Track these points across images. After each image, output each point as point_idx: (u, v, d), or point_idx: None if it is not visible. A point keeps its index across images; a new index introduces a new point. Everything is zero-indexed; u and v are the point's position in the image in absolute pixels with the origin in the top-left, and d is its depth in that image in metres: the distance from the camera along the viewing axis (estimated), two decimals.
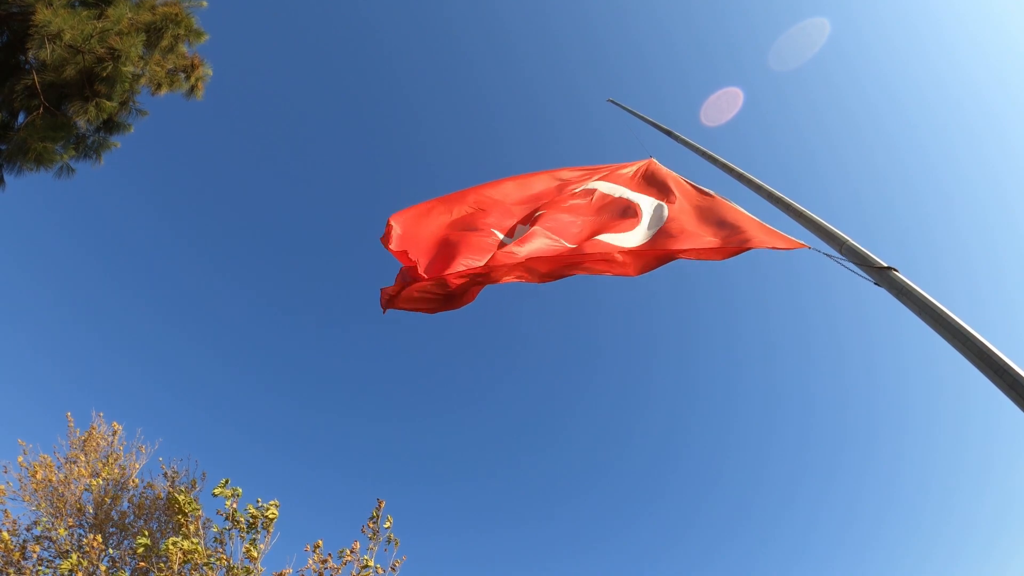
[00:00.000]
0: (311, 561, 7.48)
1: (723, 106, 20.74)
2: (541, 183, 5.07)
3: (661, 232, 4.10)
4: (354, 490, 23.73)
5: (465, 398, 29.78)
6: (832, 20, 26.12)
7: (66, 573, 7.16)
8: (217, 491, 7.29)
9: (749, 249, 3.50)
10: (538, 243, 4.11)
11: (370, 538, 7.79)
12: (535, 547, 24.61)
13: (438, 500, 25.34)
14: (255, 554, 7.27)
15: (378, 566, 7.64)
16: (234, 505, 7.37)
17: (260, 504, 7.62)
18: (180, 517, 7.23)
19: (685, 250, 3.71)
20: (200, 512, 7.65)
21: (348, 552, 7.60)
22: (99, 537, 8.13)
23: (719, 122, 19.88)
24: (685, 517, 26.81)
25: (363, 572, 7.53)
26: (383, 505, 7.96)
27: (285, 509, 7.77)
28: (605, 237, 4.20)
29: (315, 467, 25.24)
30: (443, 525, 24.34)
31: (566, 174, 5.20)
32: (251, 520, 7.39)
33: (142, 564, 7.23)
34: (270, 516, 7.52)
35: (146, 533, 7.59)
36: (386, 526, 7.88)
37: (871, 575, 24.37)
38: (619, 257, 3.99)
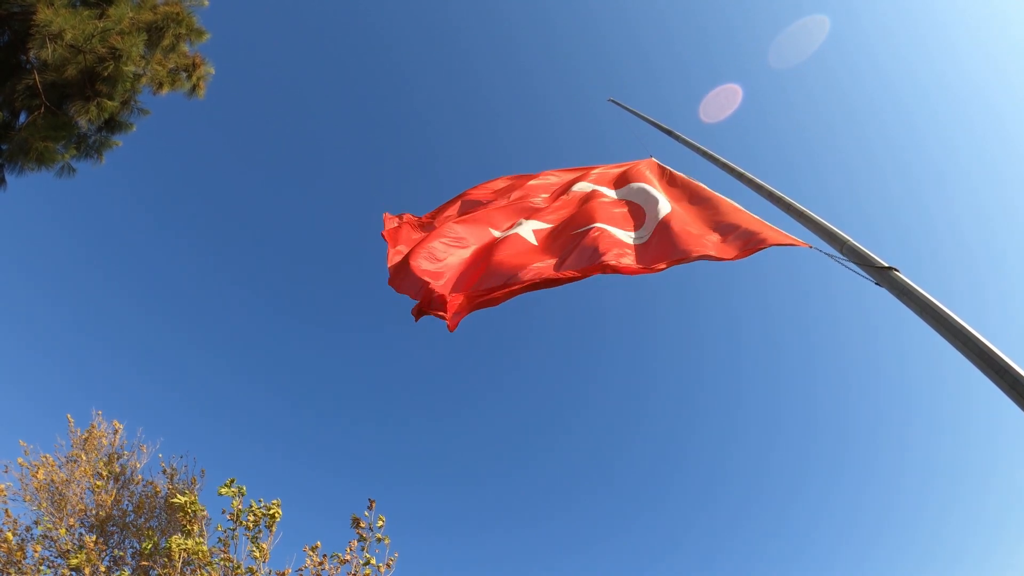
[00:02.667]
0: (309, 562, 7.49)
1: (722, 102, 20.73)
2: (541, 183, 5.10)
3: (664, 232, 4.09)
4: (353, 490, 23.79)
5: (466, 399, 29.81)
6: (832, 17, 26.11)
7: (73, 570, 7.17)
8: (223, 490, 7.28)
9: (760, 250, 3.48)
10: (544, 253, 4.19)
11: (363, 538, 7.83)
12: (536, 548, 24.63)
13: (437, 502, 25.37)
14: (257, 554, 7.27)
15: (380, 565, 7.67)
16: (239, 504, 7.38)
17: (261, 503, 7.63)
18: (181, 514, 7.22)
19: (691, 253, 3.69)
20: (204, 512, 7.64)
21: (343, 556, 7.61)
22: (95, 538, 8.13)
23: (718, 118, 19.89)
24: (687, 518, 26.82)
25: (364, 570, 7.57)
26: (374, 505, 8.01)
27: (284, 509, 7.79)
28: (609, 228, 4.22)
29: (313, 467, 25.27)
30: (442, 527, 24.36)
31: (566, 175, 5.23)
32: (255, 519, 7.40)
33: (144, 563, 7.24)
34: (274, 515, 7.54)
35: (150, 534, 7.59)
36: (379, 524, 7.92)
37: (872, 575, 24.35)
38: (626, 252, 3.99)
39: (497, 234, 4.52)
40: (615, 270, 3.81)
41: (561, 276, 3.88)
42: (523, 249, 4.22)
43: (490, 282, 3.92)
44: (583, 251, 3.96)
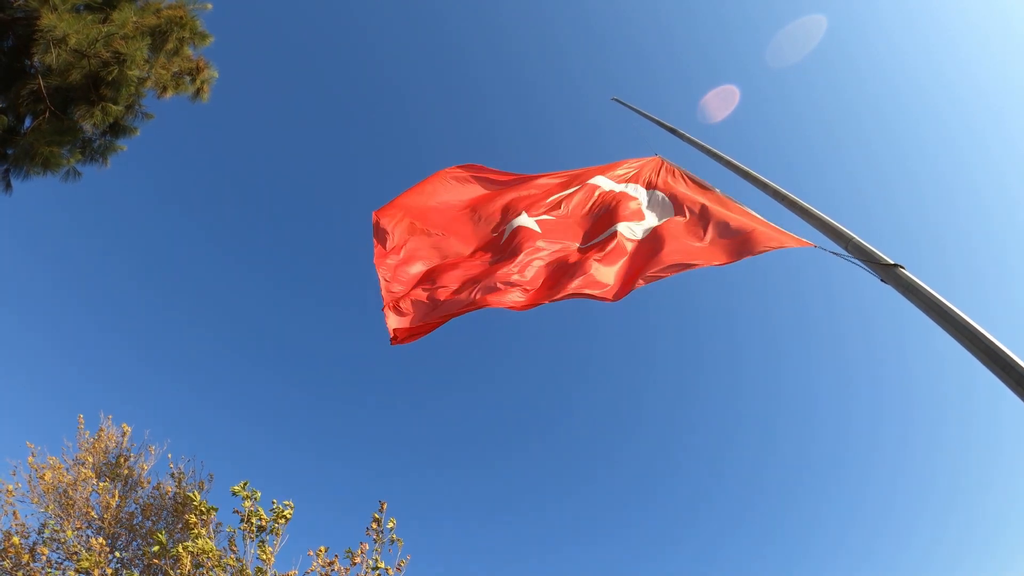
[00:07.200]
0: (315, 564, 7.52)
1: (720, 103, 20.73)
2: (543, 184, 5.09)
3: (663, 235, 4.12)
4: (362, 485, 23.79)
5: (467, 393, 29.84)
6: (829, 16, 26.06)
7: (83, 570, 7.20)
8: (236, 489, 7.30)
9: (758, 253, 3.52)
10: (536, 264, 4.20)
11: (375, 539, 7.88)
12: (535, 541, 24.67)
13: (443, 493, 25.43)
14: (264, 556, 7.30)
15: (389, 568, 7.71)
16: (251, 507, 7.40)
17: (275, 505, 7.66)
18: (191, 517, 7.25)
19: (689, 263, 3.72)
20: (214, 512, 7.66)
21: (357, 553, 7.64)
22: (102, 540, 8.16)
23: (717, 119, 19.90)
24: (686, 515, 26.82)
25: (374, 573, 7.61)
26: (385, 507, 8.05)
27: (295, 507, 7.82)
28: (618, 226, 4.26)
29: (322, 464, 25.32)
30: (449, 517, 24.42)
31: (566, 176, 5.22)
32: (261, 525, 7.42)
33: (156, 561, 7.26)
34: (287, 515, 7.57)
35: (161, 533, 7.65)
36: (389, 526, 7.96)
37: (874, 574, 24.35)
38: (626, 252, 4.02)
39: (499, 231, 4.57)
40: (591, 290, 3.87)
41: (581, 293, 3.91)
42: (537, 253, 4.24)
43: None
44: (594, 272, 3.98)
